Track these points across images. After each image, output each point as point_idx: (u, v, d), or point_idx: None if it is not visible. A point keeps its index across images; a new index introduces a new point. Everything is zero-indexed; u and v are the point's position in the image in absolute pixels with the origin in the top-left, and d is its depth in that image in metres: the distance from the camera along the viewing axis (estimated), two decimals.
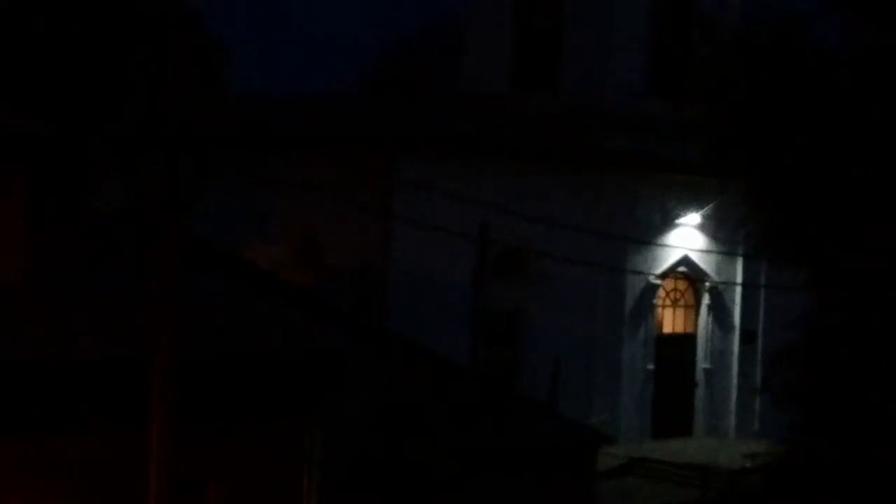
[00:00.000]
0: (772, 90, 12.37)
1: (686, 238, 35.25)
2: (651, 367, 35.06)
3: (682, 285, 36.03)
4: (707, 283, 35.93)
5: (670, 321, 36.08)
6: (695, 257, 35.48)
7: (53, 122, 18.86)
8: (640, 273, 34.46)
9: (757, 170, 12.44)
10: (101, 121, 21.32)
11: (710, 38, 12.73)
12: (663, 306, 35.81)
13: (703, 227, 35.26)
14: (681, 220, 35.07)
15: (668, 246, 34.99)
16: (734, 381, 36.35)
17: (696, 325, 36.30)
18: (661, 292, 35.53)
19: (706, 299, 36.13)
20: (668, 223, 35.00)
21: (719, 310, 36.30)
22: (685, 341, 36.24)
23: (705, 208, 34.54)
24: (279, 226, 31.73)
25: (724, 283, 36.01)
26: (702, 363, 36.26)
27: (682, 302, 36.16)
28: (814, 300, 13.19)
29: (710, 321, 36.26)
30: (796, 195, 12.15)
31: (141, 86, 20.96)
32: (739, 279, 36.10)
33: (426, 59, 40.39)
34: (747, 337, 36.31)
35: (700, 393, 36.21)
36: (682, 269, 35.57)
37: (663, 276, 35.21)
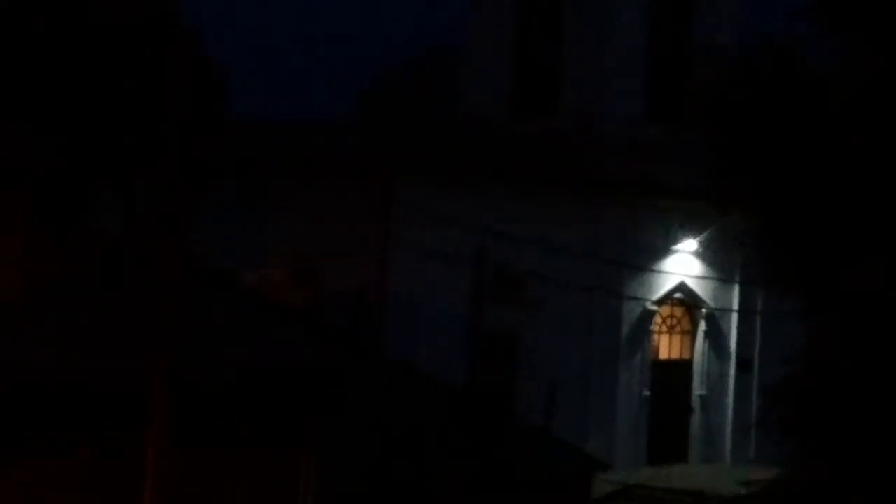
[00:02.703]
0: (771, 113, 12.38)
1: (683, 264, 35.24)
2: (647, 392, 35.01)
3: (678, 311, 36.01)
4: (704, 310, 35.91)
5: (666, 347, 36.04)
6: (692, 283, 35.47)
7: (52, 139, 18.89)
8: (636, 299, 34.45)
9: (757, 193, 12.44)
10: (99, 141, 21.34)
11: (709, 63, 12.76)
12: (660, 332, 35.78)
13: (700, 254, 35.26)
14: (678, 246, 35.07)
15: (665, 272, 34.99)
16: (730, 407, 36.28)
17: (692, 351, 36.27)
18: (658, 318, 35.51)
19: (703, 326, 36.10)
20: (665, 249, 35.00)
21: (716, 336, 36.27)
22: (681, 367, 36.19)
23: (703, 234, 34.56)
24: (277, 249, 31.71)
25: (720, 309, 35.99)
26: (698, 390, 36.20)
27: (678, 328, 36.14)
28: (812, 327, 13.17)
29: (706, 348, 36.22)
30: (797, 219, 12.15)
31: (139, 106, 20.99)
32: (736, 306, 36.09)
33: (425, 84, 40.44)
34: (743, 364, 36.27)
35: (696, 419, 36.15)
36: (678, 295, 35.56)
37: (660, 302, 35.19)
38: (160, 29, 19.65)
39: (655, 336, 35.61)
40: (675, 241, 35.01)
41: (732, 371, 36.32)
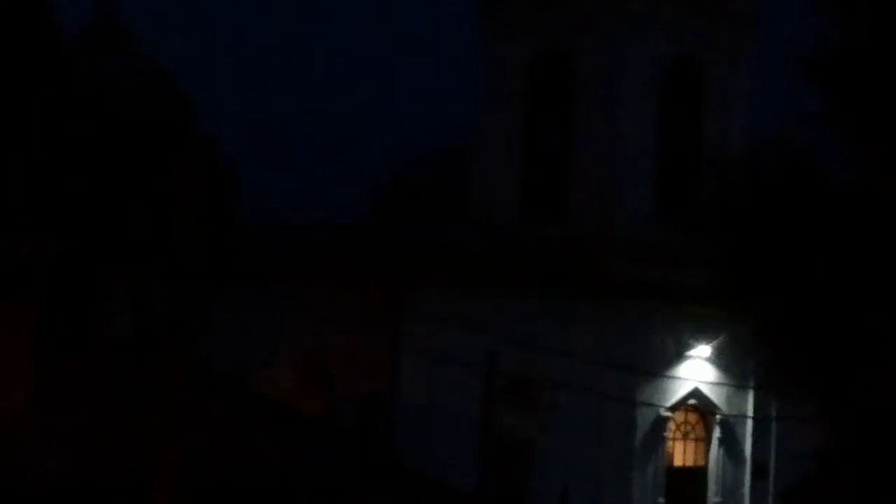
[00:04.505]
0: (779, 222, 12.36)
1: (697, 370, 35.05)
2: (661, 500, 34.69)
3: (692, 418, 35.76)
4: (718, 416, 35.67)
5: (681, 454, 35.75)
6: (705, 390, 35.26)
7: (64, 249, 18.89)
8: (650, 405, 34.23)
9: (765, 300, 12.39)
10: (111, 245, 21.38)
11: (718, 165, 12.78)
12: (674, 439, 35.52)
13: (713, 360, 35.07)
14: (691, 352, 34.91)
15: (678, 378, 34.80)
16: None
17: (707, 458, 35.97)
18: (672, 424, 35.27)
19: (717, 432, 35.84)
20: (678, 355, 34.84)
21: (730, 443, 36.00)
22: (696, 475, 35.88)
23: (716, 340, 34.39)
24: (289, 352, 31.63)
25: (735, 415, 35.74)
26: (713, 497, 35.86)
27: (692, 434, 35.87)
28: (824, 431, 13.07)
29: (721, 454, 35.93)
30: (805, 324, 12.08)
31: (152, 213, 21.05)
32: (751, 412, 35.84)
33: (436, 187, 40.55)
34: (759, 471, 35.95)
35: None
36: (692, 401, 35.34)
37: (674, 408, 34.97)
38: (175, 135, 19.77)
39: (669, 442, 35.34)
40: (688, 347, 34.85)
41: (748, 478, 36.00)
